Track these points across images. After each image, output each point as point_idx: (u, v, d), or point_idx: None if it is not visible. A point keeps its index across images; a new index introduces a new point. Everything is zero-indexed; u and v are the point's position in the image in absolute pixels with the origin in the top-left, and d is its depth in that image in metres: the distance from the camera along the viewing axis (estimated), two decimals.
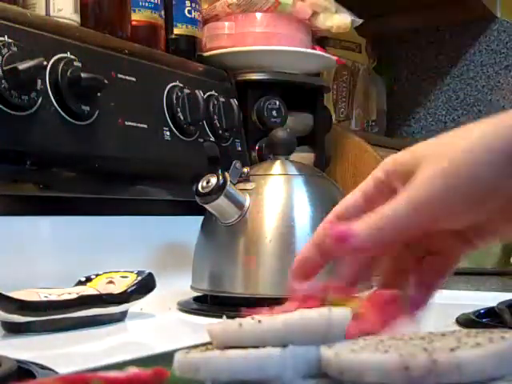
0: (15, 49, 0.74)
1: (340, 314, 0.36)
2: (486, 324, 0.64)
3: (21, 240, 0.81)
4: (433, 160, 0.41)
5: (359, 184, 0.47)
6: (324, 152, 1.26)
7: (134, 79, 0.91)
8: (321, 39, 1.34)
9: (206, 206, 0.78)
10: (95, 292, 0.69)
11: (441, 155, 0.41)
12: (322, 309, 0.36)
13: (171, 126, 0.96)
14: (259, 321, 0.35)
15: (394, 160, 0.45)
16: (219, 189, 0.76)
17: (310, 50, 1.19)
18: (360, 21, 1.26)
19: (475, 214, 0.41)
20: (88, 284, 0.73)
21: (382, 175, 0.45)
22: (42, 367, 0.44)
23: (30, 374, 0.42)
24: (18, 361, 0.43)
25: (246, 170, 0.81)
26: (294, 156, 0.87)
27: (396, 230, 0.41)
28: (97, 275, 0.75)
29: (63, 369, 0.44)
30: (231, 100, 1.05)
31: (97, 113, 0.84)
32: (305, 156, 1.19)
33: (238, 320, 0.35)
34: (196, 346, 0.38)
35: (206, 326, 0.37)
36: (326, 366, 0.34)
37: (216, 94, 1.05)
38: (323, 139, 1.27)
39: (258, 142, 1.14)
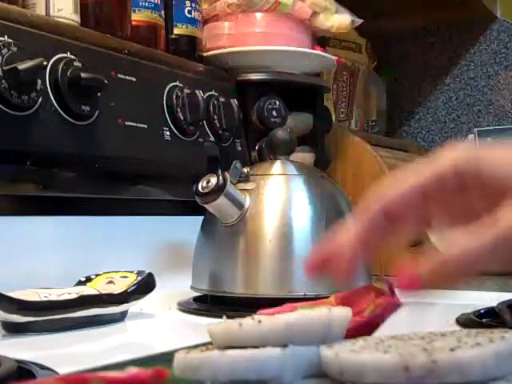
0: (15, 49, 0.74)
1: (340, 313, 0.36)
2: (486, 324, 0.64)
3: (21, 240, 0.81)
4: None
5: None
6: (324, 152, 1.26)
7: (134, 79, 0.91)
8: (321, 39, 1.34)
9: (206, 206, 0.78)
10: (95, 292, 0.69)
11: None
12: (322, 308, 0.36)
13: (171, 126, 0.96)
14: (259, 321, 0.35)
15: (466, 159, 0.41)
16: (219, 189, 0.76)
17: (309, 50, 1.18)
18: (360, 21, 1.26)
19: None
20: (88, 284, 0.73)
21: (449, 173, 0.41)
22: (42, 367, 0.44)
23: (30, 374, 0.42)
24: (18, 361, 0.43)
25: (246, 170, 0.81)
26: (294, 156, 0.87)
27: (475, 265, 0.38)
28: (97, 275, 0.75)
29: (63, 369, 0.44)
30: (231, 100, 1.05)
31: (97, 113, 0.84)
32: (305, 156, 1.19)
33: (238, 320, 0.35)
34: (196, 346, 0.38)
35: (206, 326, 0.37)
36: (326, 365, 0.34)
37: (216, 94, 1.05)
38: (323, 139, 1.27)
39: (257, 142, 1.14)
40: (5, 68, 0.72)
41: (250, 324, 0.35)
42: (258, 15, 1.15)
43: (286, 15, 1.16)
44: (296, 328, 0.34)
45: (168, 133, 0.95)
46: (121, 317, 0.71)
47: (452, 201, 0.42)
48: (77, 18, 0.89)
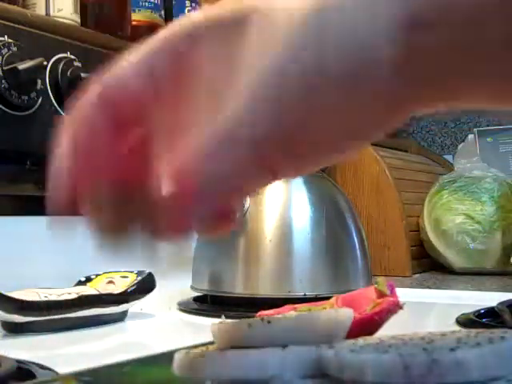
0: (15, 49, 0.74)
1: (346, 314, 0.36)
2: (486, 324, 0.64)
3: (21, 240, 0.81)
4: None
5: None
6: None
7: None
8: None
9: None
10: (95, 292, 0.69)
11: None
12: (328, 309, 0.36)
13: None
14: (269, 321, 0.35)
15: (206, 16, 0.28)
16: None
17: None
18: None
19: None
20: (88, 284, 0.73)
21: (183, 42, 0.29)
22: (42, 367, 0.44)
23: (30, 374, 0.42)
24: (18, 361, 0.43)
25: None
26: None
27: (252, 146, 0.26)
28: (97, 275, 0.75)
29: (63, 369, 0.44)
30: None
31: None
32: None
33: (246, 320, 0.35)
34: (196, 346, 0.38)
35: (209, 326, 0.37)
36: (326, 365, 0.34)
37: None
38: None
39: None
40: (5, 68, 0.72)
41: (259, 325, 0.35)
42: None
43: None
44: (306, 328, 0.34)
45: None
46: (121, 317, 0.71)
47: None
48: (77, 18, 0.89)
